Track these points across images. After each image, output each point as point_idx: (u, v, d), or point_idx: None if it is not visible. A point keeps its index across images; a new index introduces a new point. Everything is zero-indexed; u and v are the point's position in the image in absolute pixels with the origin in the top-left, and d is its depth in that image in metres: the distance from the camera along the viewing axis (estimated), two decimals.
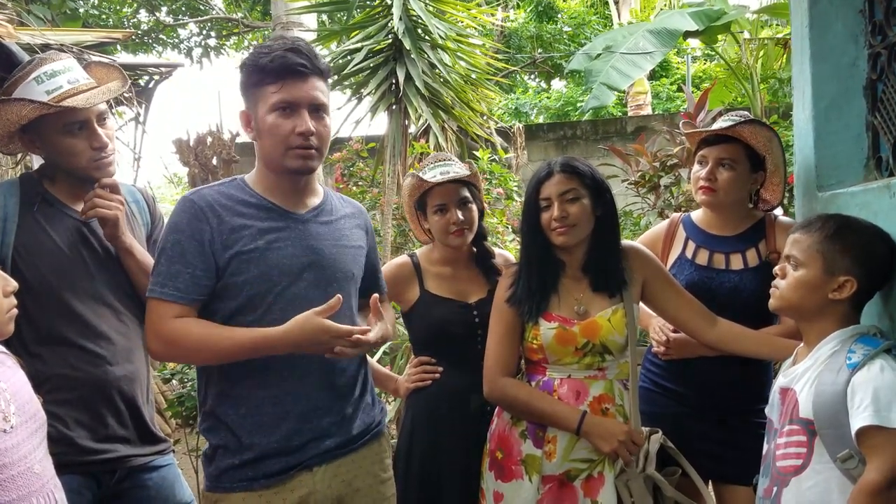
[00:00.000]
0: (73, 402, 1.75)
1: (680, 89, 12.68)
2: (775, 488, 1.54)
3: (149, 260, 1.87)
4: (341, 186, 5.76)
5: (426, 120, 4.27)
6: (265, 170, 1.69)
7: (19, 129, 1.77)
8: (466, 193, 2.14)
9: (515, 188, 5.30)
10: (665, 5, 10.78)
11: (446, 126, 4.59)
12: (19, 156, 3.02)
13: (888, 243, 1.51)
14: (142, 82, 3.56)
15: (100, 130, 1.81)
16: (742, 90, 7.58)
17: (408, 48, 4.05)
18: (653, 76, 12.98)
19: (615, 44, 7.24)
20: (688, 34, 7.19)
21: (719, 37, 7.56)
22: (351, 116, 4.49)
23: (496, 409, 2.02)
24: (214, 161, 4.82)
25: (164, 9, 11.88)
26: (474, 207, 2.16)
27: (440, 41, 4.25)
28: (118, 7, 10.92)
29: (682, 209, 3.61)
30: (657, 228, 2.33)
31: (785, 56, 8.09)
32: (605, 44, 7.49)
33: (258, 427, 1.60)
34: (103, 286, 1.83)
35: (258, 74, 1.60)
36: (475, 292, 2.17)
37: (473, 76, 4.57)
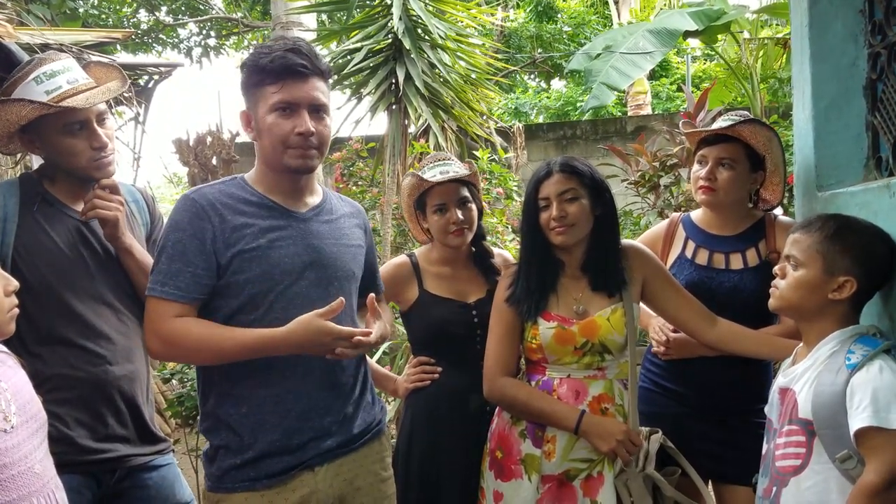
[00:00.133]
0: (74, 402, 1.75)
1: (680, 89, 12.68)
2: (774, 488, 1.55)
3: (148, 260, 1.87)
4: (341, 186, 5.76)
5: (426, 120, 4.27)
6: (265, 169, 1.69)
7: (19, 129, 1.77)
8: (466, 193, 2.14)
9: (515, 188, 5.30)
10: (665, 5, 10.78)
11: (446, 126, 4.60)
12: (19, 156, 3.02)
13: (888, 243, 1.51)
14: (141, 82, 3.55)
15: (99, 130, 1.81)
16: (742, 90, 7.58)
17: (407, 48, 4.05)
18: (652, 76, 12.98)
19: (615, 44, 7.24)
20: (687, 34, 7.19)
21: (719, 36, 7.56)
22: (351, 116, 4.50)
23: (496, 409, 2.02)
24: (214, 161, 4.81)
25: (164, 8, 11.87)
26: (474, 207, 2.16)
27: (440, 41, 4.25)
28: (118, 7, 10.92)
29: (682, 209, 3.61)
30: (657, 228, 2.33)
31: (785, 56, 8.09)
32: (604, 44, 7.49)
33: (259, 426, 1.60)
34: (103, 286, 1.83)
35: (258, 75, 1.61)
36: (474, 292, 2.17)
37: (473, 76, 4.57)
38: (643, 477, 1.83)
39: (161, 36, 11.50)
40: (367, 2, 4.77)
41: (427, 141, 4.77)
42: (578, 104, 12.14)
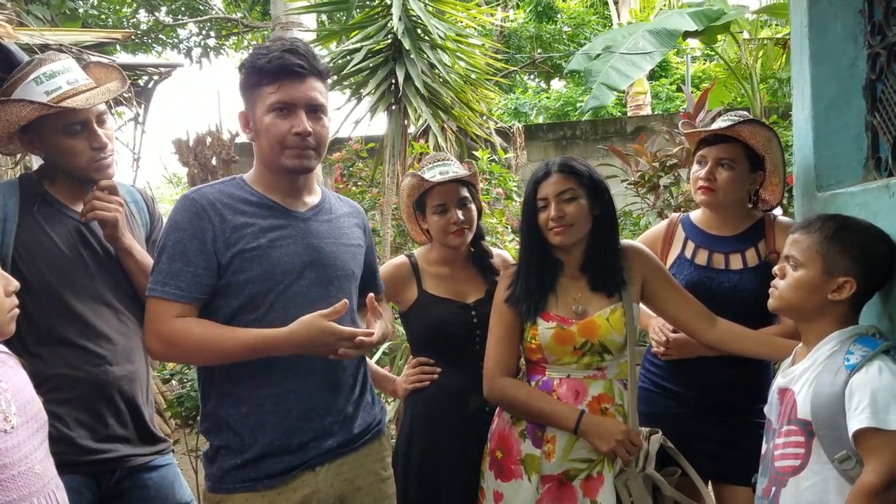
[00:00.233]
0: (74, 402, 1.75)
1: (679, 89, 12.68)
2: (774, 488, 1.55)
3: (148, 260, 1.87)
4: (341, 186, 5.76)
5: (426, 120, 4.27)
6: (263, 169, 1.69)
7: (19, 129, 1.77)
8: (466, 193, 2.14)
9: (515, 188, 5.30)
10: (664, 5, 10.79)
11: (446, 126, 4.60)
12: (18, 156, 3.02)
13: (888, 244, 1.51)
14: (141, 82, 3.55)
15: (99, 131, 1.81)
16: (741, 90, 7.59)
17: (407, 48, 4.05)
18: (652, 76, 12.99)
19: (615, 44, 7.24)
20: (687, 34, 7.19)
21: (719, 37, 7.56)
22: (350, 116, 4.50)
23: (496, 409, 2.02)
24: (214, 161, 4.81)
25: (164, 9, 11.87)
26: (473, 207, 2.16)
27: (439, 41, 4.25)
28: (117, 7, 10.91)
29: (682, 209, 3.61)
30: (656, 228, 2.33)
31: (784, 56, 8.09)
32: (604, 44, 7.49)
33: (260, 426, 1.61)
34: (103, 286, 1.83)
35: (256, 75, 1.61)
36: (473, 292, 2.17)
37: (473, 76, 4.57)
38: (643, 477, 1.83)
39: (161, 36, 11.49)
40: (367, 2, 4.77)
41: (427, 141, 4.76)
42: (578, 104, 12.14)
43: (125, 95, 2.10)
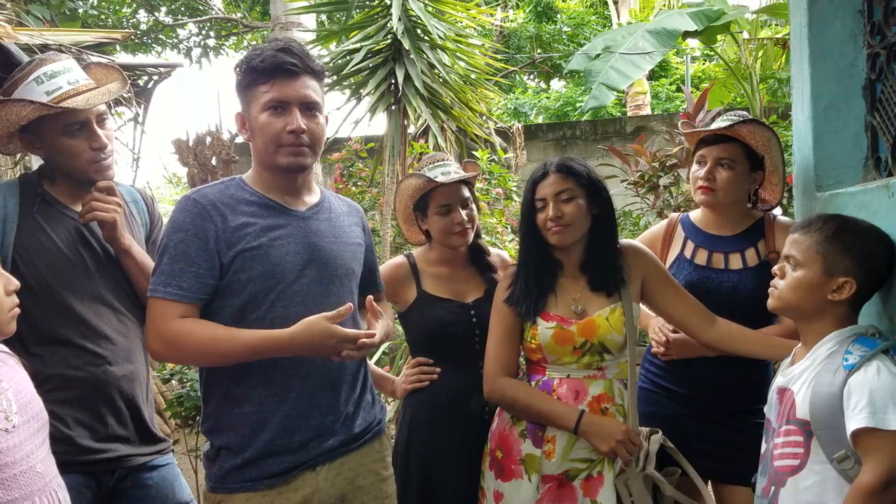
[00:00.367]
0: (73, 402, 1.75)
1: (679, 89, 12.69)
2: (773, 488, 1.55)
3: (147, 260, 1.87)
4: (340, 186, 5.77)
5: (425, 120, 4.27)
6: (261, 169, 1.70)
7: (19, 129, 1.77)
8: (468, 193, 2.15)
9: (514, 188, 5.31)
10: (664, 5, 10.80)
11: (445, 126, 4.60)
12: (18, 156, 3.02)
13: (887, 244, 1.51)
14: (141, 82, 3.55)
15: (99, 131, 1.81)
16: (741, 90, 7.59)
17: (407, 48, 4.06)
18: (652, 76, 12.99)
19: (614, 44, 7.24)
20: (687, 34, 7.20)
21: (718, 37, 7.57)
22: (350, 116, 4.51)
23: (496, 409, 2.02)
24: (213, 161, 4.81)
25: (164, 9, 11.88)
26: (475, 206, 2.17)
27: (439, 41, 4.26)
28: (117, 7, 10.92)
29: (682, 209, 3.61)
30: (656, 228, 2.33)
31: (784, 56, 8.10)
32: (604, 44, 7.49)
33: (261, 425, 1.61)
34: (103, 286, 1.83)
35: (250, 75, 1.62)
36: (472, 292, 2.17)
37: (472, 76, 4.58)
38: (643, 477, 1.83)
39: (160, 36, 11.50)
40: (367, 2, 4.77)
41: (426, 141, 4.77)
42: (578, 104, 12.15)
43: (125, 95, 2.09)
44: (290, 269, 1.62)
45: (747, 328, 1.94)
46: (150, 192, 2.18)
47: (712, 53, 9.72)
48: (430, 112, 4.19)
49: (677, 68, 13.56)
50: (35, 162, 2.62)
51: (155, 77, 3.54)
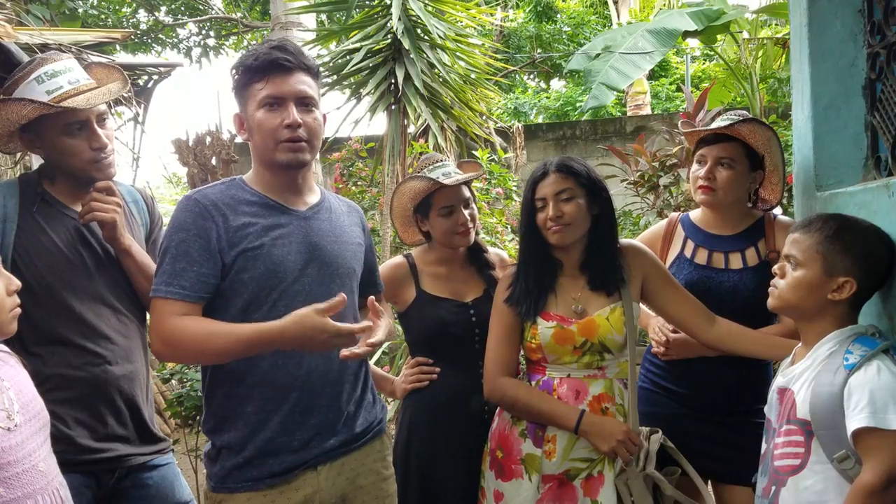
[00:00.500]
0: (73, 402, 1.75)
1: (679, 89, 12.69)
2: (773, 487, 1.55)
3: (147, 260, 1.87)
4: (340, 186, 5.77)
5: (425, 120, 4.27)
6: (261, 168, 1.70)
7: (19, 128, 1.77)
8: (468, 193, 2.15)
9: (514, 188, 5.31)
10: (664, 5, 10.80)
11: (445, 126, 4.60)
12: (18, 155, 3.02)
13: (888, 244, 1.51)
14: (141, 82, 3.55)
15: (99, 131, 1.81)
16: (741, 90, 7.59)
17: (407, 48, 4.06)
18: (652, 76, 12.99)
19: (614, 44, 7.24)
20: (687, 34, 7.20)
21: (718, 37, 7.57)
22: (350, 116, 4.51)
23: (497, 409, 2.03)
24: (213, 161, 4.81)
25: (163, 9, 11.88)
26: (475, 206, 2.17)
27: (439, 41, 4.26)
28: (117, 7, 10.92)
29: (682, 209, 3.61)
30: (656, 228, 2.33)
31: (784, 56, 8.10)
32: (604, 44, 7.49)
33: (262, 424, 1.61)
34: (103, 286, 1.83)
35: (246, 75, 1.64)
36: (471, 291, 2.17)
37: (472, 76, 4.58)
38: (643, 476, 1.83)
39: (160, 36, 11.51)
40: (367, 2, 4.77)
41: (426, 141, 4.77)
42: (578, 104, 12.14)
43: (125, 95, 2.09)
44: (292, 269, 1.62)
45: (747, 328, 1.94)
46: (150, 191, 2.18)
47: (712, 53, 9.73)
48: (430, 112, 4.19)
49: (677, 68, 13.56)
50: (35, 162, 2.62)
51: (155, 77, 3.54)
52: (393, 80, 4.22)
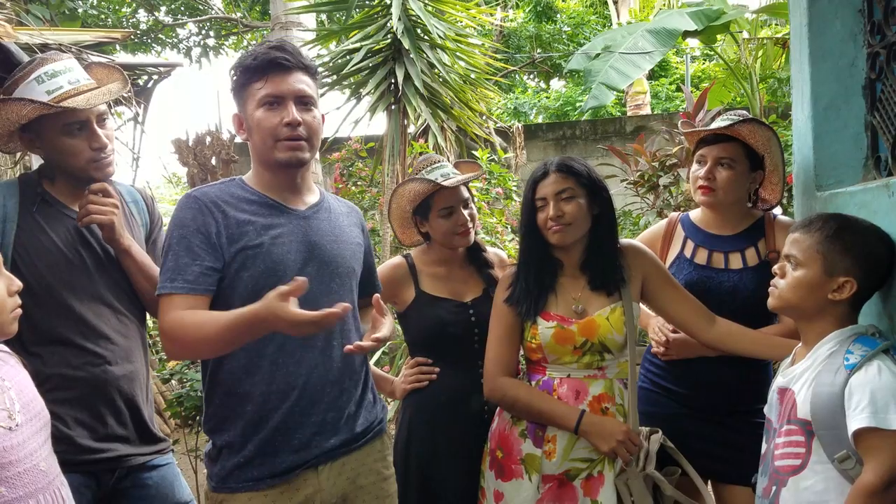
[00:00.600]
0: (73, 402, 1.75)
1: (679, 89, 12.69)
2: (774, 488, 1.55)
3: (147, 261, 1.88)
4: (340, 186, 5.77)
5: (425, 120, 4.27)
6: (260, 168, 1.70)
7: (19, 128, 1.77)
8: (467, 194, 2.15)
9: (514, 188, 5.31)
10: (664, 5, 10.80)
11: (445, 126, 4.60)
12: (18, 155, 3.02)
13: (888, 244, 1.51)
14: (141, 82, 3.55)
15: (99, 131, 1.81)
16: (741, 90, 7.59)
17: (407, 48, 4.06)
18: (652, 76, 12.99)
19: (614, 44, 7.24)
20: (687, 34, 7.20)
21: (718, 36, 7.57)
22: (350, 116, 4.50)
23: (496, 409, 2.03)
24: (213, 161, 4.82)
25: (163, 9, 11.88)
26: (474, 206, 2.17)
27: (439, 41, 4.26)
28: (117, 7, 10.93)
29: (682, 209, 3.61)
30: (656, 228, 2.33)
31: (784, 56, 8.10)
32: (604, 44, 7.49)
33: (263, 423, 1.61)
34: (103, 286, 1.83)
35: (245, 75, 1.64)
36: (471, 291, 2.17)
37: (472, 76, 4.58)
38: (643, 477, 1.83)
39: (160, 36, 11.51)
40: (367, 2, 4.77)
41: (426, 141, 4.77)
42: (578, 104, 12.15)
43: (125, 95, 2.10)
44: (292, 267, 1.63)
45: (747, 328, 1.94)
46: (150, 191, 2.18)
47: (712, 53, 9.73)
48: (429, 112, 4.19)
49: (677, 68, 13.56)
50: (35, 162, 2.62)
51: (155, 77, 3.54)
52: (393, 80, 4.23)
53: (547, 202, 1.89)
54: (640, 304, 2.04)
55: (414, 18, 4.14)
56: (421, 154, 4.41)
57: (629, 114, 10.81)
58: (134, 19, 11.53)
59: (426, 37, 4.24)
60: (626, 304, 1.90)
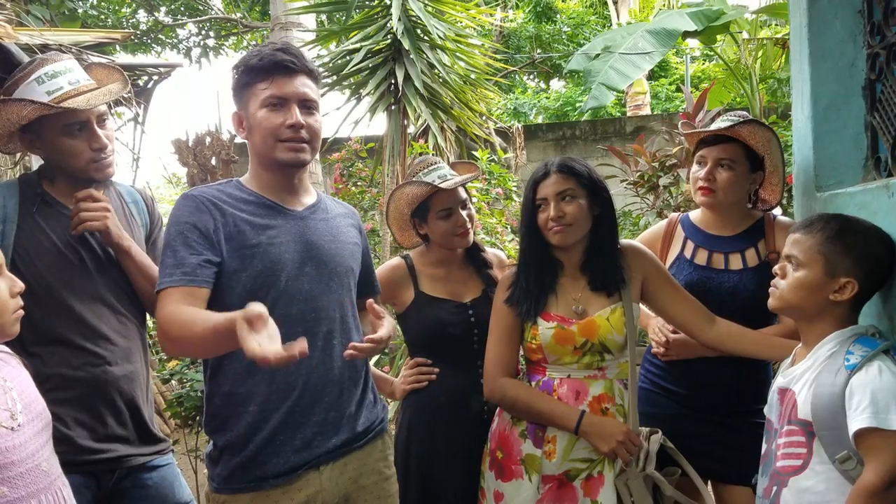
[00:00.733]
0: (73, 402, 1.75)
1: (679, 89, 12.70)
2: (774, 488, 1.55)
3: (147, 261, 1.88)
4: (340, 186, 5.77)
5: (425, 120, 4.27)
6: (259, 169, 1.71)
7: (19, 129, 1.77)
8: (465, 194, 2.15)
9: (514, 188, 5.31)
10: (664, 5, 10.80)
11: (445, 126, 4.60)
12: (18, 156, 3.02)
13: (888, 245, 1.51)
14: (140, 82, 3.55)
15: (99, 131, 1.81)
16: (741, 90, 7.60)
17: (407, 48, 4.06)
18: (652, 76, 13.00)
19: (614, 44, 7.24)
20: (686, 34, 7.20)
21: (718, 37, 7.58)
22: (350, 116, 4.51)
23: (496, 409, 2.03)
24: (213, 161, 4.81)
25: (163, 9, 11.89)
26: (472, 206, 2.17)
27: (439, 41, 4.26)
28: (117, 7, 10.93)
29: (681, 209, 3.61)
30: (655, 228, 2.33)
31: (784, 56, 8.11)
32: (603, 44, 7.50)
33: (264, 423, 1.61)
34: (103, 286, 1.83)
35: (249, 74, 1.64)
36: (470, 292, 2.17)
37: (472, 76, 4.58)
38: (643, 477, 1.83)
39: (160, 36, 11.51)
40: (367, 2, 4.77)
41: (426, 141, 4.77)
42: (577, 104, 12.15)
43: (125, 96, 2.10)
44: (290, 267, 1.63)
45: (747, 328, 1.94)
46: (150, 192, 2.18)
47: (712, 53, 9.73)
48: (429, 112, 4.19)
49: (677, 68, 13.57)
50: (35, 162, 2.62)
51: (155, 77, 3.54)
52: (393, 81, 4.23)
53: (548, 203, 1.89)
54: (640, 305, 2.04)
55: (414, 19, 4.14)
56: (420, 154, 4.42)
57: (629, 114, 10.81)
58: (134, 20, 11.54)
59: (426, 37, 4.24)
60: (626, 305, 1.90)
